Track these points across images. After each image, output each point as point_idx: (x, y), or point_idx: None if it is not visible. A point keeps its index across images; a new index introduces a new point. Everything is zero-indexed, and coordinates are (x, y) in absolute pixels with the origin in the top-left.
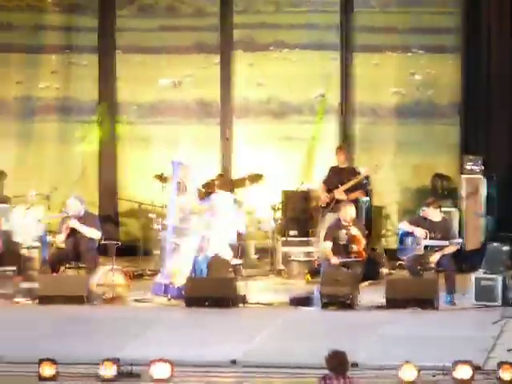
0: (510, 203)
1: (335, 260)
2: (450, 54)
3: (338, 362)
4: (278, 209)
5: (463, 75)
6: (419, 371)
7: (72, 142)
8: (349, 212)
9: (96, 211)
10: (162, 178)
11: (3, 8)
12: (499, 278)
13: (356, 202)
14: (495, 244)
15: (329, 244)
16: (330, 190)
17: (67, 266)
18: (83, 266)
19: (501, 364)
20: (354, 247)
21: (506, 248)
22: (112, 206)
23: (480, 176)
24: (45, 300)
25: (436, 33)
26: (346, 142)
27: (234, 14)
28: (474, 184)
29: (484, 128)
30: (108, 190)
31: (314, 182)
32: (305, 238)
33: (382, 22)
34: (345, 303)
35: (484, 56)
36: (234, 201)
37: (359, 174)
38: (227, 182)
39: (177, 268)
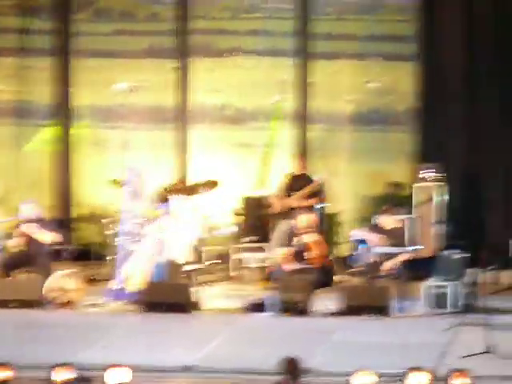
0: (466, 210)
1: (289, 266)
2: (407, 61)
3: (291, 368)
4: (235, 214)
5: (419, 82)
6: (380, 376)
7: (27, 145)
8: (303, 219)
9: (49, 215)
10: (116, 182)
11: None
12: (449, 286)
13: (311, 209)
14: (447, 252)
15: (282, 250)
16: (284, 197)
17: (19, 270)
18: (35, 270)
19: (453, 371)
20: (308, 254)
21: (457, 256)
22: (66, 211)
23: (434, 183)
24: None
25: (392, 40)
26: (301, 149)
27: (190, 19)
28: (428, 191)
29: (440, 135)
30: (62, 194)
31: (269, 189)
32: (259, 245)
33: (338, 29)
34: (299, 309)
35: (440, 62)
36: (190, 206)
37: (314, 181)
38: (183, 188)
39: (131, 273)
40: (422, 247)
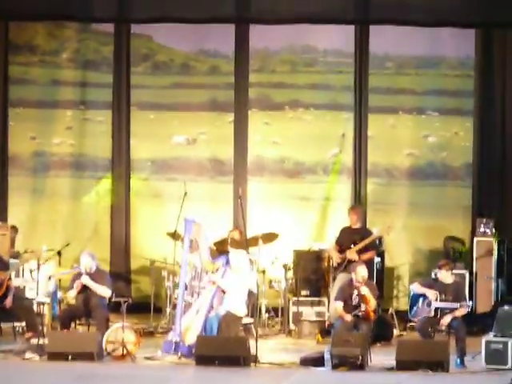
0: None
1: (349, 317)
2: (464, 116)
3: None
4: (290, 268)
5: (476, 138)
6: None
7: (85, 198)
8: (361, 272)
9: (107, 268)
10: (174, 235)
11: (19, 63)
12: (510, 342)
13: (368, 262)
14: (506, 307)
15: (340, 304)
16: (342, 251)
17: (78, 322)
18: (93, 322)
19: None
20: (366, 307)
21: None
22: (124, 263)
23: (492, 239)
24: (54, 356)
25: (450, 95)
26: (358, 203)
27: (250, 72)
28: (486, 247)
29: (496, 190)
30: (120, 246)
31: (327, 242)
32: (316, 298)
33: (396, 83)
34: (355, 364)
35: (497, 119)
36: (248, 259)
37: (371, 234)
38: (241, 241)
39: (188, 326)
40: (480, 302)
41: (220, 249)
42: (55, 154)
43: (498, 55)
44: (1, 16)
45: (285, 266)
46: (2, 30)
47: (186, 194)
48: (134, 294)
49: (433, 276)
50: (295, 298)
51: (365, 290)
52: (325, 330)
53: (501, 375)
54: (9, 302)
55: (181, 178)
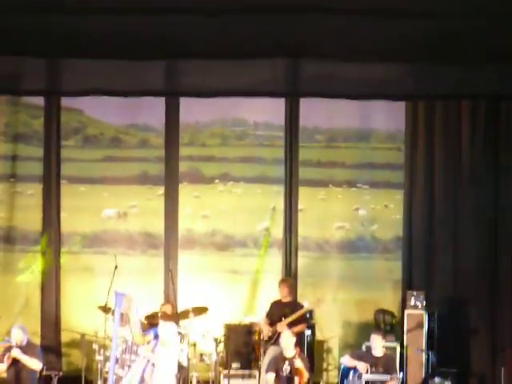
0: (451, 339)
1: None
2: (394, 189)
3: None
4: (221, 341)
5: (406, 210)
6: None
7: (15, 271)
8: (289, 340)
9: (38, 341)
10: (105, 308)
11: None
12: None
13: (299, 335)
14: (437, 379)
15: (272, 375)
16: (272, 324)
17: None
18: None
19: None
20: (297, 379)
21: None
22: (54, 336)
23: (422, 311)
24: None
25: (380, 168)
26: (289, 276)
27: (180, 145)
28: (417, 319)
29: (426, 263)
30: (51, 319)
31: (258, 315)
32: (247, 371)
33: (327, 156)
34: None
35: (427, 192)
36: (178, 332)
37: (302, 307)
38: (172, 314)
39: None
40: (410, 374)
41: (151, 322)
42: None
43: (427, 128)
44: None
45: (215, 339)
46: None
47: (116, 267)
48: (64, 367)
49: (363, 348)
50: (226, 371)
51: (299, 363)
52: None
53: None
54: None
55: (111, 251)
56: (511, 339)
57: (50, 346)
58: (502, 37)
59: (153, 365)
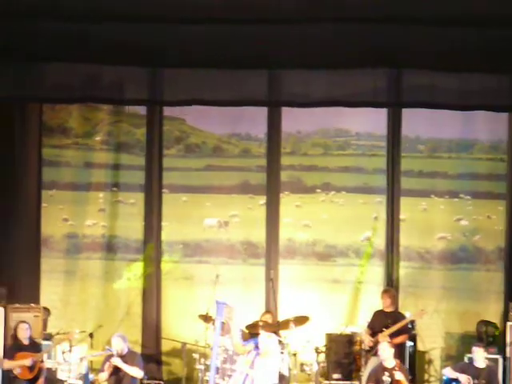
0: None
1: None
2: (497, 199)
3: None
4: (322, 351)
5: (509, 221)
6: None
7: (117, 280)
8: (387, 350)
9: (139, 350)
10: (206, 317)
11: (52, 146)
12: None
13: (400, 346)
14: None
15: None
16: (374, 334)
17: None
18: None
19: None
20: None
21: None
22: (155, 345)
23: None
24: None
25: (483, 179)
26: (391, 286)
27: (282, 155)
28: None
29: None
30: (151, 328)
31: (359, 326)
32: (348, 382)
33: (429, 166)
34: None
35: None
36: (277, 342)
37: (404, 318)
38: (272, 324)
39: None
40: None
41: (252, 332)
42: (87, 236)
43: None
44: (35, 99)
45: (316, 350)
46: (36, 112)
47: (217, 276)
48: (165, 376)
49: (466, 360)
50: (327, 382)
51: (399, 375)
52: None
53: None
54: (41, 383)
55: (212, 260)
56: None
57: (151, 354)
58: None
59: (253, 374)
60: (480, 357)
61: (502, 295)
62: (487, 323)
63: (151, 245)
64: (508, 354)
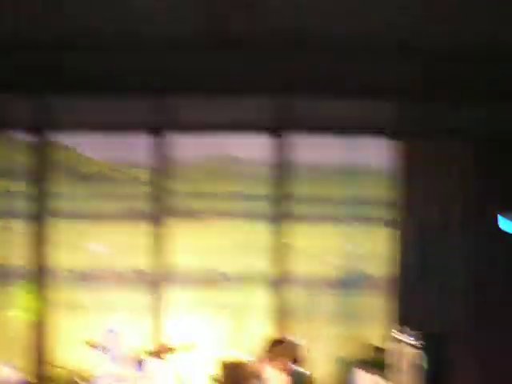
0: (440, 375)
1: None
2: (383, 226)
3: None
4: (213, 379)
5: (393, 248)
6: None
7: (1, 308)
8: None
9: (26, 378)
10: (92, 344)
11: None
12: None
13: (290, 372)
14: None
15: None
16: (263, 361)
17: None
18: None
19: None
20: None
21: None
22: (42, 374)
23: (413, 348)
24: None
25: (370, 204)
26: (280, 313)
27: (168, 181)
28: (407, 356)
29: (417, 301)
30: (38, 357)
31: (248, 353)
32: None
33: (315, 192)
34: None
35: (417, 228)
36: (167, 368)
37: (293, 344)
38: (161, 350)
39: None
40: None
41: (139, 358)
42: None
43: (416, 165)
44: None
45: (206, 377)
46: None
47: (105, 303)
48: None
49: None
50: None
51: None
52: None
53: None
54: None
55: (100, 287)
56: None
57: (37, 383)
58: None
59: None
60: (364, 380)
61: (390, 321)
62: (375, 348)
63: (36, 272)
64: (395, 380)
